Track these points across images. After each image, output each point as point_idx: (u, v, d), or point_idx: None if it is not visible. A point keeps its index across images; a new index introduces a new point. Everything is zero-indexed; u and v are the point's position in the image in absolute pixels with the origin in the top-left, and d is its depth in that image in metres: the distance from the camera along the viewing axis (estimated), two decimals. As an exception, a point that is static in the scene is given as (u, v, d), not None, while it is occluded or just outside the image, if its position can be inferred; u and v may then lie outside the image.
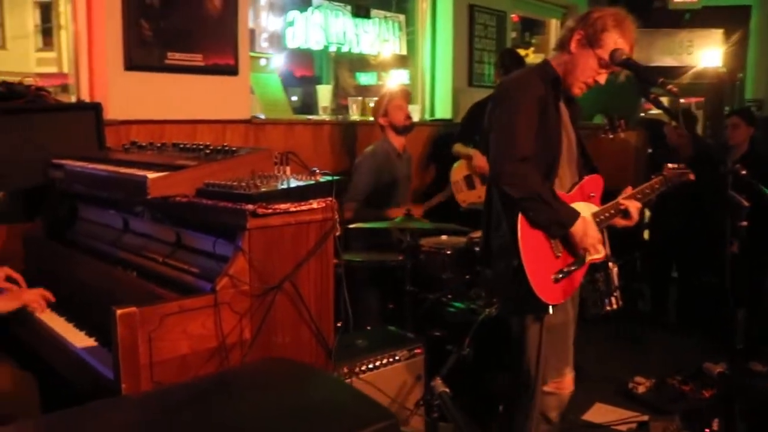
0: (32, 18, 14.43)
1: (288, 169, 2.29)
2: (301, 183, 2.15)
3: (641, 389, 3.96)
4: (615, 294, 2.65)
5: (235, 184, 2.11)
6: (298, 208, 2.09)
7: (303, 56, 6.10)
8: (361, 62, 6.16)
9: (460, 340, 3.28)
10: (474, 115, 4.84)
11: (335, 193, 2.18)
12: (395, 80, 5.88)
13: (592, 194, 2.60)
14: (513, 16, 6.54)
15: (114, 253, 2.70)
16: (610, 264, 2.62)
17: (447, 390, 1.68)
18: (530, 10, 6.94)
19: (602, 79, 2.51)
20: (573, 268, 2.49)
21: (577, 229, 2.42)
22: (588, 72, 2.48)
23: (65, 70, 3.97)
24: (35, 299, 2.49)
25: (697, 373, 4.03)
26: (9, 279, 2.75)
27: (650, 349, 4.81)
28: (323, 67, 6.13)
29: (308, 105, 5.65)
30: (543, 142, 2.46)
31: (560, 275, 2.45)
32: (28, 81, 3.45)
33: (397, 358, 3.03)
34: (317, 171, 2.23)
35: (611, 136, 2.95)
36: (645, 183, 2.70)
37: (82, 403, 2.08)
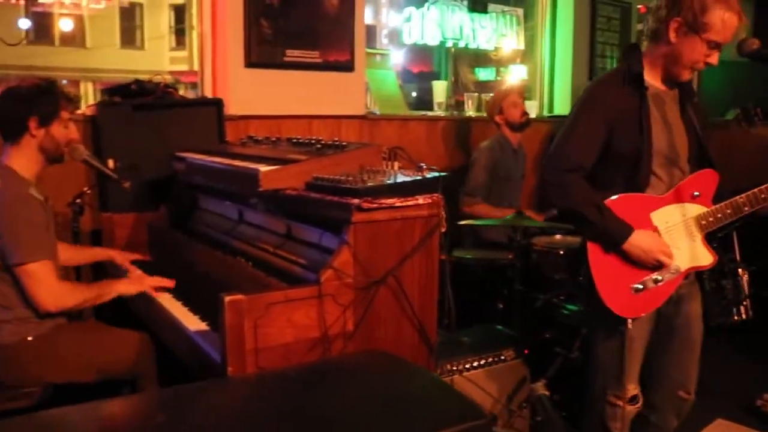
0: (167, 20, 15.37)
1: (396, 164, 2.30)
2: (407, 178, 2.15)
3: (771, 407, 3.68)
4: (745, 303, 2.47)
5: (342, 178, 2.14)
6: (404, 204, 2.09)
7: (422, 52, 6.11)
8: (479, 58, 6.10)
9: (570, 343, 3.19)
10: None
11: (441, 189, 2.16)
12: (514, 76, 5.78)
13: (696, 193, 2.36)
14: (640, 6, 6.23)
15: (229, 242, 2.82)
16: (740, 270, 2.43)
17: (547, 393, 1.62)
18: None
19: (714, 59, 2.27)
20: (659, 278, 2.31)
21: (630, 246, 2.25)
22: (696, 57, 2.26)
23: (195, 68, 4.19)
24: (155, 286, 2.64)
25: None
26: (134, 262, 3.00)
27: (786, 364, 4.45)
28: (442, 63, 6.11)
29: (425, 101, 5.66)
30: (623, 146, 2.29)
31: (641, 286, 2.29)
32: (158, 79, 3.65)
33: (502, 357, 2.98)
34: (424, 167, 2.21)
35: (747, 129, 2.69)
36: None
37: (192, 378, 2.20)
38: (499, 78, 6.06)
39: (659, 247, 2.28)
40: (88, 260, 3.03)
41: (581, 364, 3.11)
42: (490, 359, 2.94)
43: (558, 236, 3.97)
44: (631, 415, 2.50)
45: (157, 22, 15.16)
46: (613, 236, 2.26)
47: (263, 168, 2.28)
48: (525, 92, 4.48)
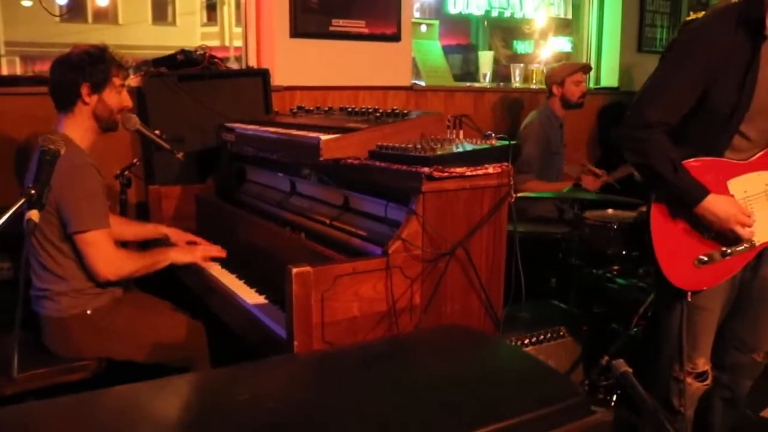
0: (199, -5, 15.28)
1: (461, 132, 2.21)
2: (476, 147, 2.06)
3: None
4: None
5: (410, 146, 2.05)
6: (474, 173, 2.00)
7: (456, 24, 5.94)
8: (517, 30, 5.92)
9: (627, 319, 3.09)
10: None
11: (512, 158, 2.07)
12: (554, 48, 5.62)
13: None
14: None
15: (280, 214, 2.75)
16: None
17: (630, 370, 1.54)
18: (711, -34, 6.34)
19: None
20: (728, 251, 2.16)
21: (703, 210, 2.10)
22: None
23: (226, 43, 4.11)
24: (205, 256, 2.61)
25: None
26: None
27: None
28: (479, 35, 5.95)
29: (462, 73, 5.51)
30: (719, 103, 2.08)
31: (706, 259, 2.16)
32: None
33: (560, 333, 2.89)
34: (492, 135, 2.12)
35: None
36: None
37: (247, 352, 2.13)
38: (537, 51, 5.89)
39: (737, 216, 2.12)
40: (141, 236, 2.95)
41: (639, 342, 3.02)
42: (549, 335, 2.86)
43: (610, 210, 3.85)
44: (698, 393, 2.39)
45: (189, -1, 15.08)
46: (686, 197, 2.12)
47: (324, 137, 2.20)
48: (589, 71, 4.31)
